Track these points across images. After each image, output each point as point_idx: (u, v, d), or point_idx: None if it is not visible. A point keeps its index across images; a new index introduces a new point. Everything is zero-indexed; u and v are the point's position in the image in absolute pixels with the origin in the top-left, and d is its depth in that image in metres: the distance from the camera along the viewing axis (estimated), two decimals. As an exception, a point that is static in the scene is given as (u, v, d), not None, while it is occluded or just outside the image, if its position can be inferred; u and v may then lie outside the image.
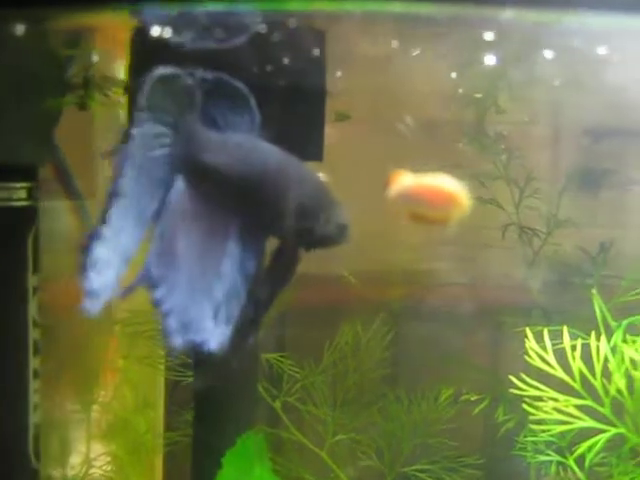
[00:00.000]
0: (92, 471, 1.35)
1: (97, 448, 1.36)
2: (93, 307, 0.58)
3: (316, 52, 0.82)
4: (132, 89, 0.82)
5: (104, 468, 1.34)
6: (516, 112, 1.26)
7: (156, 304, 0.61)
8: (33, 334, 0.79)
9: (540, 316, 1.18)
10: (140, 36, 0.86)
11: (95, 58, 0.77)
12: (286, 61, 0.80)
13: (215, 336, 0.63)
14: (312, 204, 0.66)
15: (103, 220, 0.59)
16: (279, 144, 0.84)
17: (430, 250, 1.33)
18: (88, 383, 1.31)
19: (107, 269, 0.59)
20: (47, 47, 0.77)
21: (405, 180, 0.67)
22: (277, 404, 1.15)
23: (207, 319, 0.62)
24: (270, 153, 0.69)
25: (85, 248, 0.59)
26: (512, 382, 0.95)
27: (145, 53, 0.84)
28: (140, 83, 0.61)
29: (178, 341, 0.61)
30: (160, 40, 0.85)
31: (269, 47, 0.81)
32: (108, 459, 1.32)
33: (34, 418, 0.79)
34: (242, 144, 0.68)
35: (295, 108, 0.82)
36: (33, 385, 0.79)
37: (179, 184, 0.65)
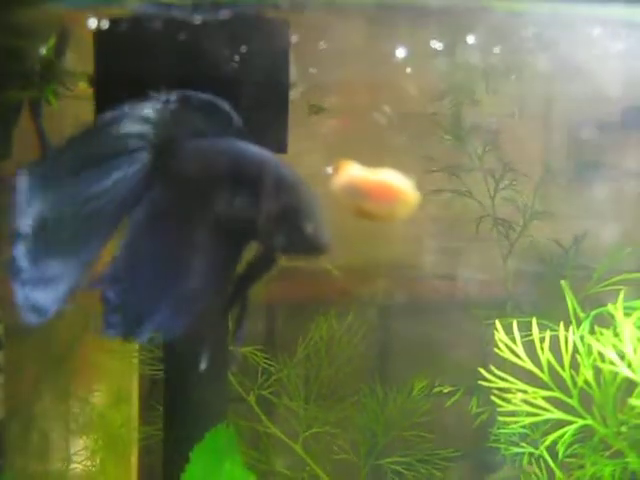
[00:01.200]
0: (73, 466, 1.36)
1: (77, 443, 1.36)
2: (37, 320, 0.59)
3: (280, 42, 0.81)
4: (97, 83, 0.82)
5: (84, 463, 1.34)
6: (492, 104, 1.26)
7: (105, 302, 0.62)
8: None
9: (514, 308, 1.18)
10: (104, 28, 0.85)
11: (54, 50, 0.76)
12: (249, 51, 0.80)
13: (171, 328, 0.64)
14: (296, 212, 0.66)
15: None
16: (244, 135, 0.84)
17: (407, 243, 1.33)
18: (63, 378, 1.31)
19: (52, 284, 0.60)
20: (5, 40, 0.76)
21: (352, 172, 0.66)
22: (251, 398, 1.15)
23: (161, 313, 0.63)
24: (257, 159, 0.69)
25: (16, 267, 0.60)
26: (482, 374, 0.95)
27: (109, 46, 0.84)
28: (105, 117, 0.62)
29: (117, 333, 0.62)
30: (124, 32, 0.85)
31: (232, 37, 0.81)
32: (87, 454, 1.33)
33: (-3, 413, 0.79)
34: (226, 151, 0.69)
35: (259, 99, 0.82)
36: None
37: (154, 192, 0.66)
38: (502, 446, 1.11)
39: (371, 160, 1.31)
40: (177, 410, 0.97)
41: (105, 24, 0.85)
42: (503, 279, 1.23)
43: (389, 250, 1.32)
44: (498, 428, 1.10)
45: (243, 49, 0.81)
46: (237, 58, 0.81)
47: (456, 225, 1.30)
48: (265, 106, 0.82)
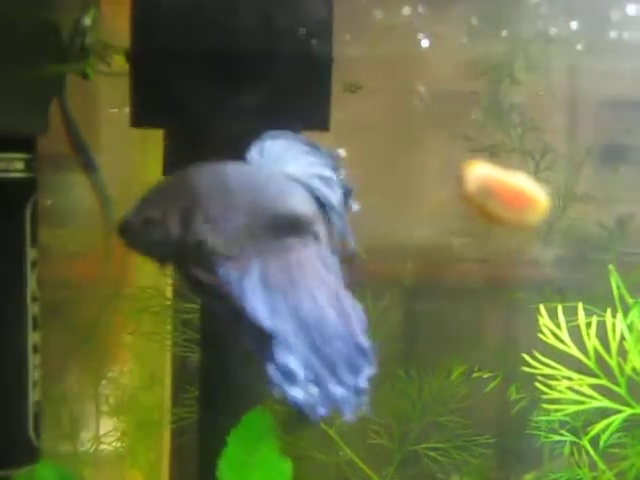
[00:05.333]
0: (102, 447, 1.35)
1: (107, 424, 1.35)
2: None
3: (323, 13, 0.79)
4: (134, 58, 0.80)
5: (114, 444, 1.34)
6: (532, 83, 1.22)
7: None
8: (32, 309, 0.77)
9: (555, 293, 1.15)
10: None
11: (94, 24, 0.74)
12: (291, 23, 0.77)
13: None
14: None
15: None
16: (284, 113, 0.81)
17: (442, 225, 1.30)
18: (97, 359, 1.30)
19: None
20: (42, 12, 0.74)
21: (484, 173, 0.63)
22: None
23: None
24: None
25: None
26: (525, 360, 0.93)
27: (147, 18, 0.82)
28: None
29: None
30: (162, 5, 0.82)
31: (273, 7, 0.78)
32: (117, 435, 1.32)
33: (34, 395, 0.77)
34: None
35: (300, 74, 0.79)
36: (33, 361, 0.77)
37: None
38: (541, 434, 1.08)
39: (408, 139, 1.29)
40: (213, 393, 0.96)
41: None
42: (542, 263, 1.21)
43: (423, 231, 1.30)
44: (538, 415, 1.08)
45: (284, 20, 0.79)
46: (278, 30, 0.79)
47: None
48: (307, 81, 0.80)
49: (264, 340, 0.54)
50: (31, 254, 0.77)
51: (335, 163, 0.62)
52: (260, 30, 0.79)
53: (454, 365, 1.16)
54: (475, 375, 1.13)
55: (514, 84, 1.20)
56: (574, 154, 1.25)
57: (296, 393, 0.53)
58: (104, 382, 1.32)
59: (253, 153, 0.59)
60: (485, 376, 1.12)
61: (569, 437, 1.02)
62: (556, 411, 0.92)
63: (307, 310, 0.55)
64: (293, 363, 0.53)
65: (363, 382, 0.56)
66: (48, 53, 0.74)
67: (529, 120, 1.20)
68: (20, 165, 0.75)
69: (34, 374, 0.78)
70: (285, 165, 0.59)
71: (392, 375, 1.17)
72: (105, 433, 1.35)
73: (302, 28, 0.79)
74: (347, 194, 0.62)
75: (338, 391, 0.54)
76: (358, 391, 0.56)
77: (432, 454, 1.18)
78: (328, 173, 0.60)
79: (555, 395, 0.88)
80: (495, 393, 1.15)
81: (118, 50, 0.79)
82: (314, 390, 0.53)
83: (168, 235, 0.54)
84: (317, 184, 0.59)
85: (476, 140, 1.16)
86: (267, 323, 0.53)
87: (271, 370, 0.53)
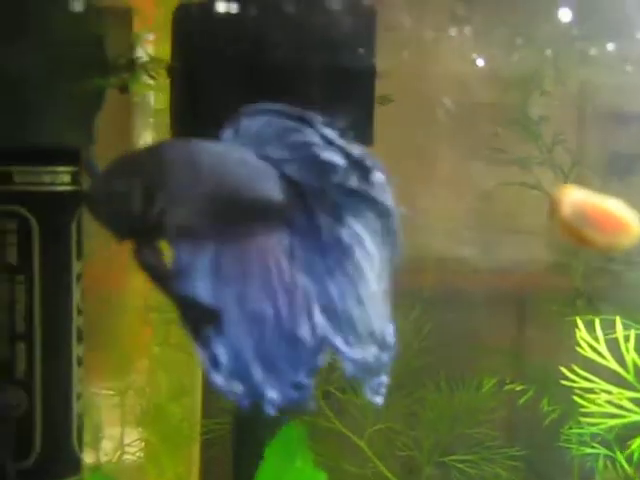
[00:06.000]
0: (125, 457, 1.35)
1: (130, 434, 1.35)
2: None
3: (367, 29, 0.79)
4: (175, 71, 0.80)
5: (137, 454, 1.34)
6: (560, 94, 1.23)
7: None
8: (77, 321, 0.77)
9: (585, 304, 1.15)
10: (182, 15, 0.83)
11: (138, 38, 0.75)
12: (335, 38, 0.78)
13: None
14: None
15: None
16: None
17: (467, 236, 1.31)
18: (123, 369, 1.30)
19: None
20: (89, 27, 0.75)
21: (577, 197, 0.65)
22: (318, 392, 1.13)
23: None
24: None
25: None
26: (561, 373, 0.93)
27: (188, 33, 0.82)
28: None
29: None
30: (205, 17, 0.83)
31: (317, 23, 0.78)
32: (141, 445, 1.32)
33: (77, 407, 0.78)
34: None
35: (343, 89, 0.80)
36: (77, 373, 0.77)
37: None
38: (573, 447, 1.08)
39: (438, 151, 1.29)
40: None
41: (186, 8, 0.83)
42: (571, 274, 1.21)
43: (452, 242, 1.30)
44: (570, 428, 1.08)
45: (327, 34, 0.79)
46: (320, 44, 0.79)
47: (520, 217, 1.28)
48: (350, 96, 0.80)
49: (200, 325, 0.52)
50: (76, 267, 0.77)
51: (335, 137, 0.57)
52: (302, 44, 0.79)
53: (484, 377, 1.16)
54: (507, 387, 1.13)
55: (543, 96, 1.21)
56: (600, 166, 1.25)
57: (218, 381, 0.52)
58: (130, 392, 1.32)
59: (228, 131, 0.56)
60: (518, 389, 1.12)
61: (602, 450, 1.03)
62: (594, 425, 0.92)
63: (252, 301, 0.54)
64: (221, 351, 0.52)
65: (304, 378, 0.54)
66: (94, 67, 0.74)
67: (558, 133, 1.21)
68: (67, 178, 0.76)
69: (78, 386, 0.78)
70: (262, 145, 0.55)
71: (421, 386, 1.17)
72: (129, 443, 1.35)
73: (345, 42, 0.79)
74: (365, 170, 0.56)
75: (269, 386, 0.54)
76: (298, 387, 0.54)
77: (461, 466, 1.18)
78: (317, 152, 0.55)
79: (594, 408, 0.89)
80: (526, 405, 1.15)
81: (162, 64, 0.79)
82: (238, 381, 0.53)
83: (129, 210, 0.52)
84: (296, 168, 0.55)
85: (508, 152, 1.17)
86: (206, 308, 0.52)
87: (201, 356, 0.52)
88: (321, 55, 0.79)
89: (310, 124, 0.56)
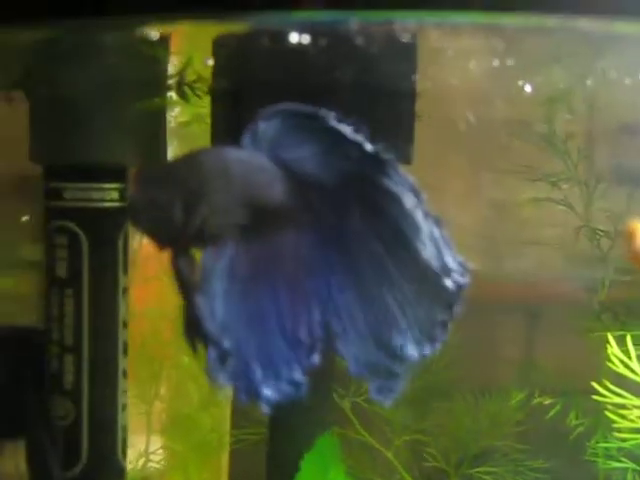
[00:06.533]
0: (149, 465, 1.36)
1: (155, 443, 1.36)
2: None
3: (408, 48, 0.81)
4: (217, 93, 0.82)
5: (162, 463, 1.35)
6: (587, 113, 1.24)
7: None
8: (123, 335, 0.79)
9: (611, 319, 1.16)
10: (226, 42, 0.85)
11: (191, 60, 0.77)
12: (379, 60, 0.80)
13: None
14: None
15: None
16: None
17: (494, 247, 1.32)
18: (150, 379, 1.32)
19: None
20: (138, 50, 0.77)
21: None
22: (346, 404, 1.14)
23: None
24: None
25: None
26: (586, 386, 0.94)
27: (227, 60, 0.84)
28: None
29: None
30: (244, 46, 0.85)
31: (360, 51, 0.80)
32: (165, 454, 1.33)
33: (122, 418, 0.79)
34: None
35: (384, 109, 0.81)
36: (122, 385, 0.79)
37: None
38: (599, 460, 1.09)
39: (468, 167, 1.30)
40: (283, 418, 0.97)
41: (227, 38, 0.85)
42: (595, 289, 1.22)
43: (474, 254, 1.31)
44: (597, 442, 1.09)
45: (368, 54, 0.81)
46: (362, 63, 0.81)
47: (542, 231, 1.29)
48: (390, 114, 0.82)
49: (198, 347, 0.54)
50: (123, 281, 0.79)
51: (350, 131, 0.56)
52: (344, 64, 0.81)
53: (511, 389, 1.17)
54: (536, 401, 1.14)
55: (570, 114, 1.22)
56: (628, 183, 1.26)
57: (222, 379, 0.54)
58: (156, 401, 1.33)
59: (247, 137, 0.56)
60: (546, 402, 1.13)
61: (630, 464, 1.03)
62: (624, 440, 0.93)
63: (255, 299, 0.55)
64: (227, 349, 0.53)
65: (299, 375, 0.56)
66: (150, 87, 0.76)
67: (583, 149, 1.22)
68: (115, 195, 0.77)
69: (123, 398, 0.79)
70: (279, 147, 0.56)
71: (449, 398, 1.19)
72: (154, 451, 1.36)
73: (386, 62, 0.81)
74: (381, 164, 0.57)
75: (265, 383, 0.55)
76: (293, 384, 0.56)
77: (487, 478, 1.19)
78: (332, 148, 0.56)
79: (627, 424, 0.90)
80: (552, 418, 1.16)
81: (207, 84, 0.81)
82: (237, 378, 0.54)
83: (170, 219, 0.52)
84: (312, 165, 0.56)
85: (535, 168, 1.18)
86: (220, 313, 0.53)
87: (209, 353, 0.54)
88: (362, 75, 0.81)
89: (324, 121, 0.56)
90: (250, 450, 1.17)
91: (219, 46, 0.82)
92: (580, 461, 1.13)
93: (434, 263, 0.57)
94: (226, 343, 0.53)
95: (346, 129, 0.56)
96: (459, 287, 0.58)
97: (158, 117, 0.78)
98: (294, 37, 0.81)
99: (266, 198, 0.56)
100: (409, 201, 0.56)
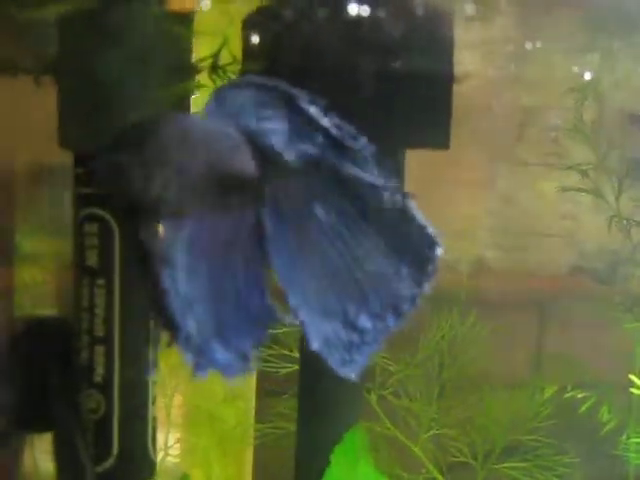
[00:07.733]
0: (168, 459, 1.35)
1: (174, 437, 1.35)
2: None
3: (445, 32, 0.79)
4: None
5: (182, 457, 1.33)
6: (617, 99, 1.22)
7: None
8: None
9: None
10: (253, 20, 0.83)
11: (227, 41, 0.75)
12: (412, 43, 0.77)
13: None
14: None
15: None
16: (404, 131, 0.81)
17: (518, 240, 1.30)
18: (170, 372, 1.30)
19: None
20: (170, 30, 0.75)
21: None
22: (372, 397, 1.13)
23: None
24: None
25: None
26: (624, 381, 0.93)
27: (258, 37, 0.82)
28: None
29: None
30: (275, 21, 0.83)
31: (393, 28, 0.78)
32: (188, 449, 1.31)
33: (153, 411, 0.78)
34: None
35: (421, 93, 0.79)
36: (153, 377, 0.77)
37: None
38: (631, 455, 1.08)
39: (497, 154, 1.28)
40: (313, 411, 0.95)
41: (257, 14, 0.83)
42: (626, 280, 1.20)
43: (509, 246, 1.29)
44: (628, 437, 1.07)
45: (405, 38, 0.79)
46: (399, 48, 0.79)
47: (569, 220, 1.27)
48: (427, 99, 0.80)
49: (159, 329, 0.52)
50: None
51: (318, 114, 0.54)
52: (380, 48, 0.79)
53: (541, 383, 1.15)
54: (568, 395, 1.12)
55: (598, 101, 1.20)
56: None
57: (188, 358, 0.52)
58: (177, 395, 1.31)
59: (212, 102, 0.55)
60: (579, 396, 1.11)
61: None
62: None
63: (215, 274, 0.54)
64: (191, 327, 0.52)
65: (248, 348, 0.54)
66: (178, 70, 0.74)
67: (613, 138, 1.20)
68: (146, 181, 0.75)
69: (153, 390, 0.78)
70: (244, 117, 0.54)
71: (478, 392, 1.17)
72: (171, 445, 1.34)
73: (423, 46, 0.79)
74: (345, 148, 0.54)
75: (221, 355, 0.54)
76: (242, 356, 0.54)
77: (514, 473, 1.17)
78: (297, 129, 0.54)
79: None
80: (584, 413, 1.14)
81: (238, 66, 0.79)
82: (199, 352, 0.53)
83: (129, 184, 0.51)
84: (275, 140, 0.54)
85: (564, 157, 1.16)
86: (171, 318, 0.51)
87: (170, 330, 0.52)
88: (399, 58, 0.79)
89: (295, 100, 0.55)
90: (274, 445, 1.15)
91: (249, 25, 0.80)
92: (611, 456, 1.11)
93: (406, 237, 0.55)
94: (190, 320, 0.52)
95: (316, 112, 0.54)
96: (429, 261, 0.56)
97: (185, 101, 0.75)
98: (328, 15, 0.79)
99: (228, 166, 0.54)
100: (377, 188, 0.55)
